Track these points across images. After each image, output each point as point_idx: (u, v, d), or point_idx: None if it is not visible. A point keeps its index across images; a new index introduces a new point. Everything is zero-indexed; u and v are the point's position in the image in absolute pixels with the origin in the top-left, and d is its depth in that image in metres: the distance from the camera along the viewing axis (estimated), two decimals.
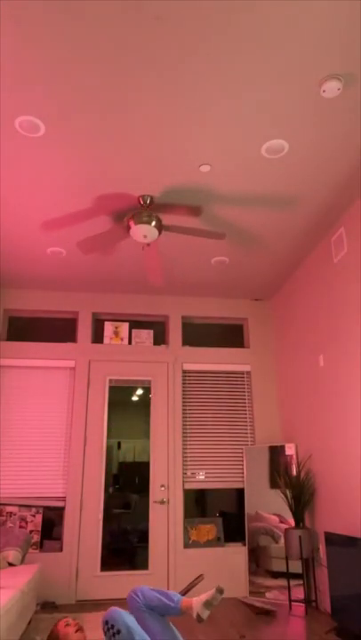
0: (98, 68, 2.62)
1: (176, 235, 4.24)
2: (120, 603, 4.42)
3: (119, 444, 5.50)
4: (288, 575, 4.36)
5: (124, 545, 5.14)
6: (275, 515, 4.77)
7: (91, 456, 5.04)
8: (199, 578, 3.13)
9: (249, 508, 4.96)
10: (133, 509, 5.33)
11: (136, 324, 5.62)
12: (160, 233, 3.68)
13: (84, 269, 4.99)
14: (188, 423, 5.34)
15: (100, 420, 5.18)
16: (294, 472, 4.66)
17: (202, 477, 5.18)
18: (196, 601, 2.48)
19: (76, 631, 2.49)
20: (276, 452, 4.99)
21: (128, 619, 2.39)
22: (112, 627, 2.34)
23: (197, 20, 2.35)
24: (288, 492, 4.46)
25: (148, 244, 3.90)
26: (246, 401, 5.51)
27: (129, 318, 5.64)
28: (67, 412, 5.17)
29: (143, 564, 4.87)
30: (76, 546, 4.75)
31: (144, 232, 3.58)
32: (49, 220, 4.10)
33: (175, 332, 5.61)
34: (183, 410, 5.36)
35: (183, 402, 5.38)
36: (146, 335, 5.56)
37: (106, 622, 2.36)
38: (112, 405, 5.28)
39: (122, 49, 2.50)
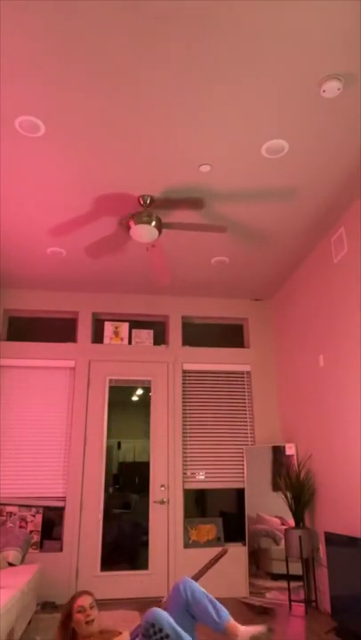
0: (98, 67, 2.62)
1: (176, 235, 4.24)
2: (120, 603, 4.43)
3: (119, 444, 5.50)
4: (288, 577, 4.36)
5: (124, 545, 5.14)
6: (276, 517, 4.76)
7: (91, 456, 5.04)
8: (222, 552, 2.94)
9: (249, 510, 4.96)
10: (133, 509, 5.33)
11: (136, 323, 5.62)
12: (160, 233, 3.68)
13: (84, 269, 4.99)
14: (188, 423, 5.33)
15: (100, 420, 5.18)
16: (294, 472, 4.65)
17: (202, 477, 5.17)
18: (244, 631, 2.34)
19: (87, 623, 2.41)
20: (276, 452, 4.98)
21: (173, 621, 2.25)
22: (160, 630, 2.20)
23: (197, 20, 2.35)
24: (288, 493, 4.46)
25: (153, 245, 3.91)
26: (246, 401, 5.51)
27: (129, 318, 5.63)
28: (67, 411, 5.17)
29: (143, 564, 4.87)
30: (76, 546, 4.75)
31: (144, 232, 3.58)
32: (56, 226, 4.12)
33: (175, 332, 5.61)
34: (183, 410, 5.36)
35: (183, 402, 5.38)
36: (146, 335, 5.56)
37: (152, 625, 2.23)
38: (112, 405, 5.28)
39: (121, 49, 2.50)
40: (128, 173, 3.49)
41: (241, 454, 5.27)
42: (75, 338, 5.47)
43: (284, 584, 4.44)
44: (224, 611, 2.45)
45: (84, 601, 2.47)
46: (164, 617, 2.27)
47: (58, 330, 5.51)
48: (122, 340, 5.49)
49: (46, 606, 4.34)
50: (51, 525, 4.89)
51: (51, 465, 4.98)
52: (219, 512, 5.27)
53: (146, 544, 4.89)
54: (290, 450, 4.89)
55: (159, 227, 3.63)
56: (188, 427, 5.32)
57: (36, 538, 4.73)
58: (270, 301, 5.88)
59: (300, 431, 4.81)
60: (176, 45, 2.49)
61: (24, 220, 4.08)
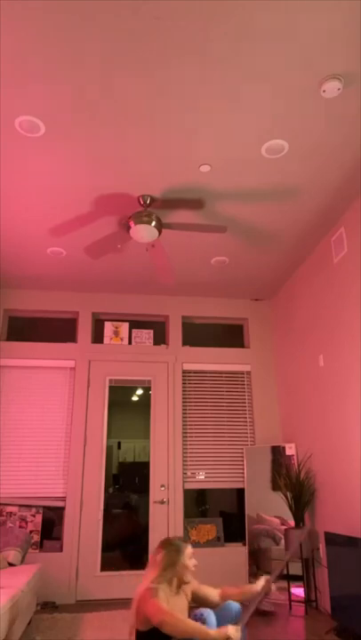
0: (98, 68, 2.62)
1: (176, 235, 4.24)
2: (120, 603, 4.42)
3: (119, 444, 5.50)
4: (288, 576, 4.36)
5: (124, 545, 5.14)
6: (276, 517, 4.76)
7: (91, 456, 5.03)
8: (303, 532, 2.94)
9: (250, 510, 4.95)
10: (133, 509, 5.33)
11: (136, 323, 5.62)
12: (160, 233, 3.68)
13: (84, 269, 4.99)
14: (188, 423, 5.33)
15: (100, 420, 5.18)
16: (294, 472, 4.65)
17: (202, 477, 5.17)
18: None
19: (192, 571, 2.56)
20: (276, 452, 4.98)
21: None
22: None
23: (197, 21, 2.35)
24: (288, 493, 4.45)
25: (153, 245, 3.91)
26: (246, 401, 5.51)
27: (129, 318, 5.63)
28: (67, 411, 5.17)
29: (143, 565, 4.86)
30: (76, 546, 4.75)
31: (144, 232, 3.58)
32: (57, 226, 4.12)
33: (175, 332, 5.61)
34: (183, 410, 5.35)
35: (183, 402, 5.38)
36: (146, 335, 5.56)
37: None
38: (112, 405, 5.27)
39: (121, 49, 2.50)
40: (128, 173, 3.49)
41: (241, 454, 5.27)
42: (75, 338, 5.47)
43: (284, 584, 4.44)
44: None
45: (190, 548, 2.62)
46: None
47: (58, 330, 5.51)
48: (122, 340, 5.49)
49: (46, 606, 4.34)
50: (51, 525, 4.89)
51: (51, 465, 4.98)
52: (219, 512, 5.27)
53: (146, 544, 4.89)
54: (290, 450, 4.89)
55: (159, 227, 3.63)
56: (188, 427, 5.32)
57: (36, 538, 4.73)
58: (270, 301, 5.88)
59: (300, 431, 4.81)
60: (176, 45, 2.48)
61: (24, 220, 4.08)
